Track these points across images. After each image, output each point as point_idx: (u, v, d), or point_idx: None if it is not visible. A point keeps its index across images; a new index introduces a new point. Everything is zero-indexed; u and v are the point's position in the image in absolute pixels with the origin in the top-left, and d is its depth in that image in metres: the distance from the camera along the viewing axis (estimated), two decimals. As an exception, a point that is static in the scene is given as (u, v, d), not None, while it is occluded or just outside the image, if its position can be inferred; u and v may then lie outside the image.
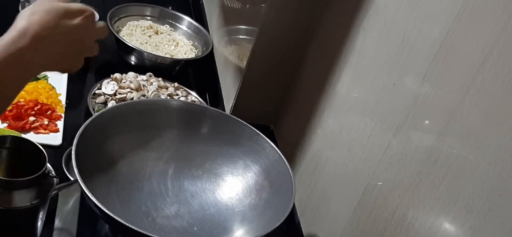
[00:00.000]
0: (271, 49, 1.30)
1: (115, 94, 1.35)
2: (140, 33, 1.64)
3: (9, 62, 0.74)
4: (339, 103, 1.14)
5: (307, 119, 1.24)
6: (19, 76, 0.77)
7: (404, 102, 0.94)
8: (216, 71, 1.59)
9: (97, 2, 1.63)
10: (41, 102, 1.29)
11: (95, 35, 0.86)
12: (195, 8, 1.89)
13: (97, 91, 1.36)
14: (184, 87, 1.46)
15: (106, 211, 0.89)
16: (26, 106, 1.27)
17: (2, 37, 0.75)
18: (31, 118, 1.25)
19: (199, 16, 1.82)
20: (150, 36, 1.65)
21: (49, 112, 1.29)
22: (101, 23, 0.88)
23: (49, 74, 1.38)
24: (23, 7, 1.50)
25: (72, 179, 1.08)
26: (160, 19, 1.72)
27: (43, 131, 1.24)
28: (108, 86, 1.37)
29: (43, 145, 0.98)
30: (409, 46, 0.95)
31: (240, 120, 1.14)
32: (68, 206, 1.10)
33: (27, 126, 1.24)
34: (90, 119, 1.03)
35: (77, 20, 0.81)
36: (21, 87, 0.80)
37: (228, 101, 1.43)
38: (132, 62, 1.56)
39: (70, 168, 1.09)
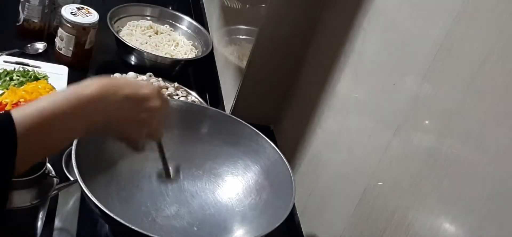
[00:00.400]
0: (271, 49, 1.30)
1: (115, 94, 1.35)
2: (140, 33, 1.64)
3: (72, 108, 0.76)
4: (339, 103, 1.14)
5: (307, 119, 1.24)
6: (76, 125, 0.78)
7: (404, 102, 0.94)
8: (216, 71, 1.59)
9: (97, 2, 1.63)
10: (41, 102, 1.29)
11: (160, 115, 0.88)
12: (195, 8, 1.89)
13: (97, 91, 1.36)
14: (184, 87, 1.46)
15: (106, 211, 0.89)
16: (26, 106, 1.26)
17: (73, 85, 0.78)
18: (31, 118, 1.24)
19: (199, 16, 1.82)
20: (150, 36, 1.65)
21: (49, 112, 1.28)
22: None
23: (49, 74, 1.38)
24: (23, 7, 1.50)
25: (72, 179, 1.08)
26: (160, 19, 1.72)
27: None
28: (108, 86, 1.36)
29: (43, 145, 0.98)
30: (409, 46, 0.95)
31: (240, 120, 1.14)
32: (68, 206, 1.10)
33: (27, 126, 1.23)
34: (90, 119, 1.03)
35: (152, 98, 0.84)
36: (76, 134, 0.81)
37: (228, 101, 1.43)
38: (132, 62, 1.56)
39: (70, 168, 1.09)
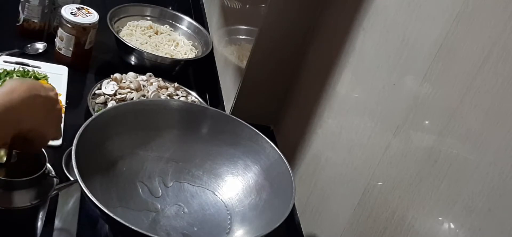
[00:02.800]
0: (271, 49, 1.30)
1: (115, 94, 1.35)
2: (140, 33, 1.64)
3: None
4: (339, 103, 1.14)
5: (307, 119, 1.24)
6: (4, 128, 0.84)
7: (404, 102, 0.94)
8: (216, 71, 1.59)
9: (97, 2, 1.63)
10: (41, 102, 1.29)
11: (60, 119, 0.96)
12: (195, 8, 1.89)
13: (97, 91, 1.36)
14: (184, 87, 1.46)
15: (106, 211, 0.89)
16: (26, 106, 1.26)
17: None
18: (31, 118, 1.25)
19: (199, 16, 1.82)
20: (150, 36, 1.65)
21: (49, 112, 1.28)
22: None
23: (49, 74, 1.38)
24: (23, 7, 1.50)
25: (72, 179, 1.08)
26: (160, 19, 1.72)
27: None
28: (108, 86, 1.37)
29: (43, 145, 0.98)
30: (409, 46, 0.95)
31: (240, 120, 1.14)
32: (68, 206, 1.10)
33: (27, 126, 1.23)
34: (90, 119, 1.03)
35: (52, 93, 0.92)
36: (2, 139, 0.86)
37: (228, 101, 1.43)
38: (132, 62, 1.56)
39: (70, 168, 1.09)
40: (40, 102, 0.88)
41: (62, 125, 0.99)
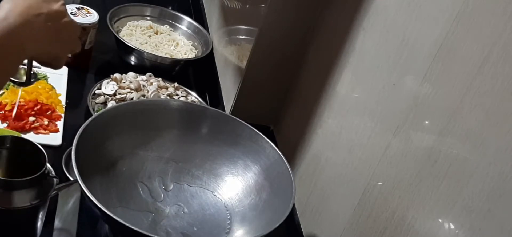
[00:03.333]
0: (271, 49, 1.30)
1: (115, 94, 1.35)
2: (140, 33, 1.64)
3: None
4: (339, 103, 1.14)
5: (307, 119, 1.24)
6: (7, 57, 0.74)
7: (404, 102, 0.94)
8: (216, 71, 1.59)
9: (97, 2, 1.63)
10: (41, 102, 1.29)
11: (76, 29, 0.84)
12: (195, 8, 1.89)
13: (97, 91, 1.36)
14: (184, 87, 1.46)
15: (106, 211, 0.89)
16: (26, 106, 1.26)
17: None
18: (31, 118, 1.25)
19: (199, 16, 1.82)
20: (150, 36, 1.65)
21: (49, 112, 1.29)
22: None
23: (49, 74, 1.38)
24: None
25: (72, 179, 1.08)
26: (160, 19, 1.72)
27: (43, 131, 1.24)
28: (108, 86, 1.37)
29: (43, 145, 0.98)
30: (409, 46, 0.95)
31: (240, 120, 1.14)
32: (68, 206, 1.10)
33: (27, 126, 1.24)
34: (90, 119, 1.03)
35: (57, 6, 0.79)
36: (8, 73, 0.77)
37: (228, 101, 1.43)
38: (132, 62, 1.56)
39: (70, 168, 1.09)
40: (42, 20, 0.77)
41: (77, 38, 0.86)
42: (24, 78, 0.90)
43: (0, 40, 0.72)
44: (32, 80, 0.91)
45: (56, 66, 0.83)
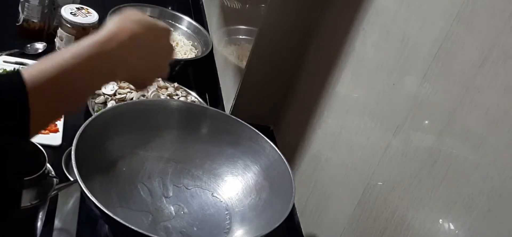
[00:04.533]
0: (271, 49, 1.30)
1: (114, 94, 1.35)
2: (140, 33, 1.64)
3: (93, 60, 0.72)
4: (339, 103, 1.14)
5: (307, 119, 1.24)
6: (97, 77, 0.74)
7: (404, 102, 0.94)
8: (216, 71, 1.59)
9: (97, 2, 1.63)
10: (41, 102, 1.29)
11: (171, 57, 0.85)
12: (195, 8, 1.89)
13: (96, 91, 1.36)
14: (184, 87, 1.46)
15: (106, 211, 0.89)
16: (26, 106, 1.26)
17: (90, 36, 0.73)
18: (31, 118, 1.25)
19: (199, 16, 1.82)
20: (150, 36, 1.65)
21: (49, 112, 1.28)
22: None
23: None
24: (22, 7, 1.50)
25: (72, 179, 1.08)
26: (160, 19, 1.72)
27: (43, 131, 1.24)
28: (107, 86, 1.37)
29: (43, 145, 0.98)
30: (409, 46, 0.95)
31: (240, 120, 1.14)
32: (68, 206, 1.10)
33: (27, 126, 1.23)
34: (90, 119, 1.03)
35: (164, 40, 0.81)
36: (95, 88, 0.79)
37: (228, 101, 1.43)
38: (132, 62, 1.55)
39: (70, 168, 1.09)
40: (144, 54, 0.78)
41: (168, 65, 0.85)
42: None
43: (95, 61, 0.72)
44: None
45: (140, 88, 0.85)
